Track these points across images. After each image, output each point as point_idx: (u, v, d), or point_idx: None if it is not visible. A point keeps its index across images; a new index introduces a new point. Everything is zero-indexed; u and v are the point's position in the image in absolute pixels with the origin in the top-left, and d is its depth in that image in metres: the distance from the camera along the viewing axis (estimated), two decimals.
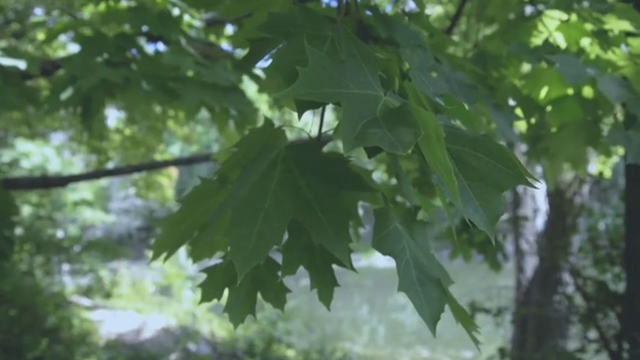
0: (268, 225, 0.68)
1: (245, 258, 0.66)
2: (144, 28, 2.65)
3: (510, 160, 0.65)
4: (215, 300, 0.91)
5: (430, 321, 0.70)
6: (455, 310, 0.79)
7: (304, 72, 0.58)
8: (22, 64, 2.44)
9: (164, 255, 0.89)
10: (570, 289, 4.58)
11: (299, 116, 0.65)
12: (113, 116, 9.10)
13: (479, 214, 0.63)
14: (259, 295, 0.92)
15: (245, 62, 0.82)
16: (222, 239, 0.86)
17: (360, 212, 1.09)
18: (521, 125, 2.35)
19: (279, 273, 0.86)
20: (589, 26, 1.71)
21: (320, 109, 0.88)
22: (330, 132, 0.83)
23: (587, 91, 1.67)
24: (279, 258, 0.83)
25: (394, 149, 0.54)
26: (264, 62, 0.92)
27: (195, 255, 0.88)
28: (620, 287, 3.57)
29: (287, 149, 0.74)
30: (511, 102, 1.77)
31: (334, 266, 0.85)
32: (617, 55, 1.67)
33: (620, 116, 1.63)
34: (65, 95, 2.42)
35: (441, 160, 0.56)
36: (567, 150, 1.71)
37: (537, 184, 0.64)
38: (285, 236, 0.81)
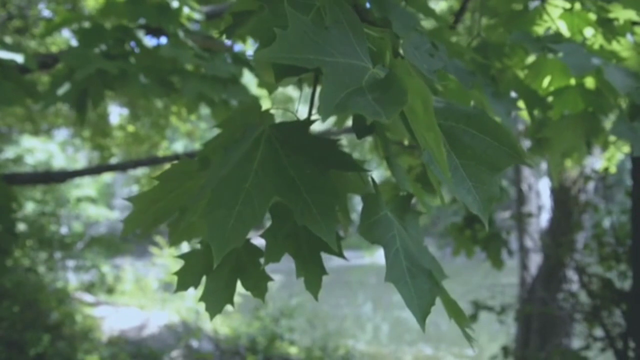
0: (248, 206, 0.64)
1: (223, 240, 0.62)
2: (143, 20, 2.62)
3: (507, 138, 0.61)
4: None
5: (420, 315, 0.66)
6: (448, 304, 0.75)
7: (282, 35, 0.54)
8: (19, 58, 2.41)
9: (145, 236, 0.85)
10: (575, 287, 4.53)
11: (276, 81, 0.61)
12: (116, 113, 9.10)
13: (472, 195, 0.59)
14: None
15: (225, 33, 0.78)
16: (201, 221, 0.82)
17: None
18: (525, 115, 2.31)
19: (261, 260, 0.82)
20: (593, 15, 1.67)
21: (311, 91, 0.84)
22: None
23: (590, 82, 1.63)
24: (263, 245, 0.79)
25: (378, 116, 0.50)
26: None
27: (173, 239, 0.84)
28: (626, 285, 3.52)
29: (271, 127, 0.70)
30: (513, 95, 1.73)
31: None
32: (622, 46, 1.62)
33: (624, 107, 1.59)
34: (63, 89, 2.40)
35: (428, 130, 0.52)
36: (565, 141, 1.67)
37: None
38: (270, 222, 0.78)
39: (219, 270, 0.83)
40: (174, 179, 0.76)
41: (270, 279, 0.85)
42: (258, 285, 0.85)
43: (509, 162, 0.61)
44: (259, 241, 0.85)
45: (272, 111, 0.77)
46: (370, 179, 0.74)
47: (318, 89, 0.80)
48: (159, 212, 0.77)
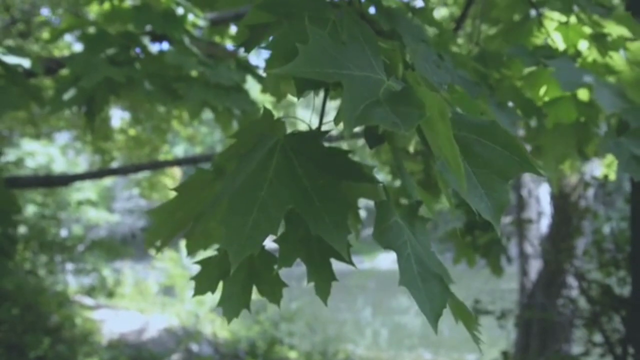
0: (264, 214, 0.66)
1: (240, 247, 0.64)
2: (148, 27, 2.65)
3: (516, 147, 0.63)
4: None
5: (432, 317, 0.68)
6: (456, 307, 0.77)
7: (304, 50, 0.57)
8: (26, 62, 2.43)
9: (165, 247, 0.88)
10: (574, 293, 4.55)
11: (298, 96, 0.63)
12: (117, 116, 9.12)
13: (484, 202, 0.62)
14: (259, 296, 0.90)
15: (243, 47, 0.81)
16: (217, 228, 0.84)
17: (364, 214, 1.07)
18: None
19: (276, 266, 0.84)
20: (587, 29, 1.70)
21: (322, 100, 0.86)
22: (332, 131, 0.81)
23: (583, 93, 1.66)
24: (276, 252, 0.81)
25: (396, 127, 0.52)
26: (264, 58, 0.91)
27: (190, 247, 0.86)
28: (625, 291, 3.54)
29: (285, 138, 0.72)
30: (509, 105, 1.76)
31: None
32: (614, 61, 1.65)
33: (613, 122, 1.61)
34: (69, 94, 2.42)
35: (446, 143, 0.54)
36: (557, 149, 1.70)
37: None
38: (283, 227, 0.80)
39: (235, 276, 0.85)
40: (191, 189, 0.78)
41: (285, 285, 0.87)
42: (273, 291, 0.87)
43: (519, 170, 0.64)
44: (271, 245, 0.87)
45: (283, 120, 0.80)
46: (382, 186, 0.76)
47: (328, 100, 0.83)
48: (178, 222, 0.80)
